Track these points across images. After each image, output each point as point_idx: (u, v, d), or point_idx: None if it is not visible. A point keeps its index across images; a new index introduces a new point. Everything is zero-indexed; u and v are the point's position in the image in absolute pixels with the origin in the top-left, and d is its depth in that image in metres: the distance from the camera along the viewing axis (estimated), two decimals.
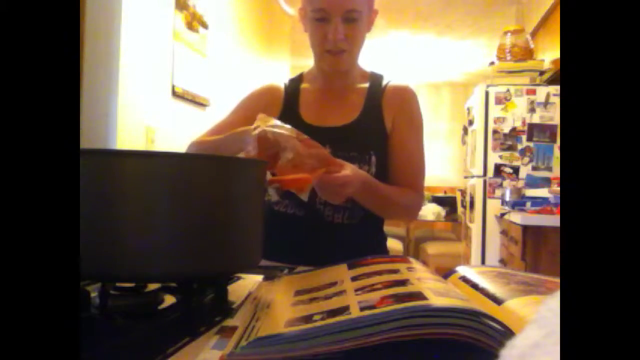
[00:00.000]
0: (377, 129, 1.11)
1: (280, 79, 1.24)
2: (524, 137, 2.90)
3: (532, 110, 2.89)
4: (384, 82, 1.16)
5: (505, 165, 2.93)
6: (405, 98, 1.14)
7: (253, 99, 1.19)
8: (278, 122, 0.86)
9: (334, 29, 1.01)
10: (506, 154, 2.93)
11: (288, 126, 0.85)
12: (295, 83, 1.20)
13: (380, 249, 1.17)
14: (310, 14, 1.03)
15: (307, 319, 0.48)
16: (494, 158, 2.94)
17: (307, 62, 1.37)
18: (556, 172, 2.85)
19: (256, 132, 0.82)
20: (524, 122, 2.90)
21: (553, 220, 2.16)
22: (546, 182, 2.79)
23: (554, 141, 2.88)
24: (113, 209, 0.54)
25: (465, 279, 0.62)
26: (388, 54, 5.46)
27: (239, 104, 1.21)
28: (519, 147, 2.91)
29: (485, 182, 2.97)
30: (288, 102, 1.16)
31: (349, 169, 0.89)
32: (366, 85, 1.16)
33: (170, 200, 0.55)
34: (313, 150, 0.85)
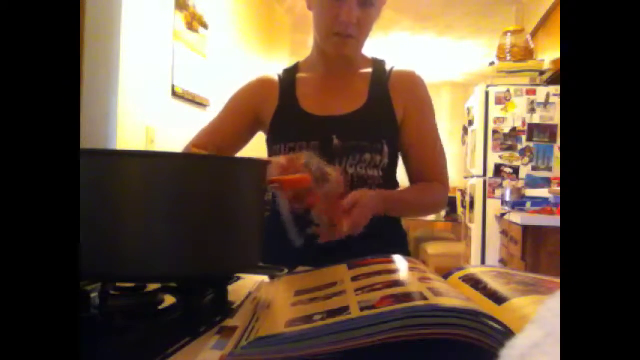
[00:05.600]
0: (387, 117, 1.02)
1: (274, 71, 1.17)
2: (524, 137, 2.90)
3: (532, 110, 2.90)
4: (388, 67, 1.09)
5: (505, 166, 2.93)
6: (416, 83, 1.07)
7: (247, 93, 1.13)
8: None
9: (348, 10, 0.92)
10: (506, 154, 2.93)
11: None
12: (290, 73, 1.12)
13: (401, 248, 1.05)
14: None
15: (308, 319, 0.48)
16: (494, 158, 2.94)
17: None
18: (556, 172, 2.85)
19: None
20: (524, 122, 2.90)
21: (553, 220, 2.16)
22: (546, 182, 2.79)
23: (554, 141, 2.88)
24: (113, 209, 0.54)
25: (465, 279, 0.62)
26: (388, 54, 5.45)
27: (231, 99, 1.14)
28: (519, 147, 2.91)
29: (485, 182, 2.97)
30: (284, 93, 1.08)
31: (359, 194, 0.85)
32: (369, 70, 1.08)
33: (171, 201, 0.55)
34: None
